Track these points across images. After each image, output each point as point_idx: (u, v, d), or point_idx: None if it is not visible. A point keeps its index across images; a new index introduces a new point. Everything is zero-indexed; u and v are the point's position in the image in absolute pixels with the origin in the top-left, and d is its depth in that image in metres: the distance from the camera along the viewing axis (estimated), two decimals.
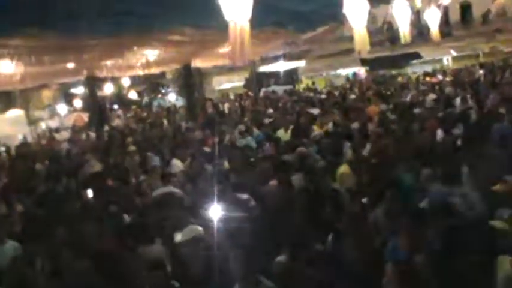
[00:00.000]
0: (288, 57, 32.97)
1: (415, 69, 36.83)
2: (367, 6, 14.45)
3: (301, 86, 36.66)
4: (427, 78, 28.48)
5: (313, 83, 35.87)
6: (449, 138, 11.14)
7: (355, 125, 13.97)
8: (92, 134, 22.83)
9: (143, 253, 6.96)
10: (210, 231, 6.88)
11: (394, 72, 37.90)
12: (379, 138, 11.56)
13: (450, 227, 5.75)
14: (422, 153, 9.49)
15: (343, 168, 9.71)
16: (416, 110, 15.04)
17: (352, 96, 23.55)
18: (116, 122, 28.22)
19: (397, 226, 6.03)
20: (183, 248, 6.52)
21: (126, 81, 39.57)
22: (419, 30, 26.61)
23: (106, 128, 23.12)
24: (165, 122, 25.51)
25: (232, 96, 34.10)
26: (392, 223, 6.48)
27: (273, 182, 9.31)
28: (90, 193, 10.61)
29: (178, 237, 6.62)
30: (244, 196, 8.61)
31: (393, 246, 5.99)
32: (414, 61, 38.12)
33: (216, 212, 7.35)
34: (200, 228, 6.69)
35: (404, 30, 18.46)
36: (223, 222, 7.20)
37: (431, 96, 18.55)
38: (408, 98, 19.41)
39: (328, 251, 6.52)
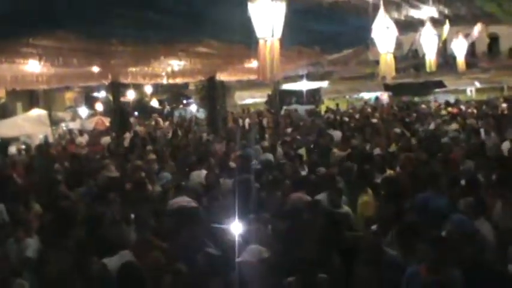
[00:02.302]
0: (311, 77, 32.99)
1: (437, 98, 36.67)
2: (395, 33, 14.48)
3: (322, 107, 36.63)
4: (449, 108, 28.32)
5: (337, 105, 35.81)
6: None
7: (377, 150, 13.92)
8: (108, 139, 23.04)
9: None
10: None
11: (416, 99, 37.77)
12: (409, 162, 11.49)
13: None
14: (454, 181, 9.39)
15: (366, 198, 9.67)
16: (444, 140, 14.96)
17: (374, 120, 23.48)
18: (137, 129, 28.31)
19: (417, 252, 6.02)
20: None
21: (148, 89, 39.84)
22: (445, 59, 26.59)
23: (127, 134, 23.21)
24: (181, 132, 25.64)
25: (252, 112, 34.14)
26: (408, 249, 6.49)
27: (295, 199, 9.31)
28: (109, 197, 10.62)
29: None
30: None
31: (412, 273, 5.99)
32: (437, 89, 37.95)
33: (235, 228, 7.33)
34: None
35: (430, 58, 18.48)
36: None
37: (453, 126, 18.46)
38: (432, 126, 19.31)
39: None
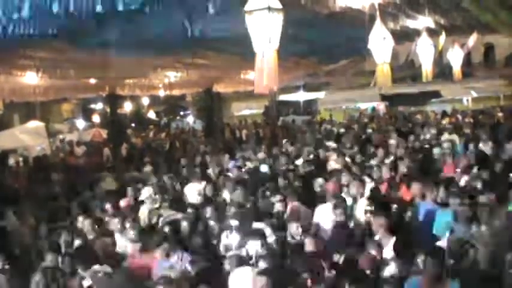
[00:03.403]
0: (308, 87, 33.06)
1: (434, 108, 36.68)
2: (392, 43, 14.52)
3: (318, 117, 36.66)
4: (446, 119, 28.31)
5: (331, 116, 35.85)
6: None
7: (374, 161, 13.89)
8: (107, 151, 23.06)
9: None
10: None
11: (413, 109, 37.78)
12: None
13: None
14: None
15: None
16: (436, 150, 14.92)
17: (370, 131, 23.45)
18: (134, 141, 28.33)
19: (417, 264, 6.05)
20: None
21: (145, 101, 39.90)
22: (441, 69, 26.63)
23: (124, 145, 23.23)
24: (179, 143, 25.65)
25: (249, 123, 34.13)
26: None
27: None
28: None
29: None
30: (260, 225, 8.63)
31: (411, 285, 6.00)
32: (433, 100, 37.98)
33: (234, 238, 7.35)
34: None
35: (427, 68, 18.51)
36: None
37: (446, 136, 18.35)
38: (427, 137, 19.30)
39: None
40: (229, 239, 8.49)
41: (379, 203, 9.27)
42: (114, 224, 9.68)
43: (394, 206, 9.41)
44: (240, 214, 8.99)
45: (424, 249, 6.24)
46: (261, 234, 7.89)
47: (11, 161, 22.37)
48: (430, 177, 11.14)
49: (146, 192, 11.84)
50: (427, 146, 16.35)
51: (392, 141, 16.88)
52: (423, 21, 18.10)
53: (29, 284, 7.32)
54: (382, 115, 34.47)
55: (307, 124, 30.42)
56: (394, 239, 7.37)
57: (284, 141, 20.62)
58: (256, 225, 8.64)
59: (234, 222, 8.64)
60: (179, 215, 10.00)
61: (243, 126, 32.67)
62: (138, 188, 12.32)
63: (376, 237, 7.64)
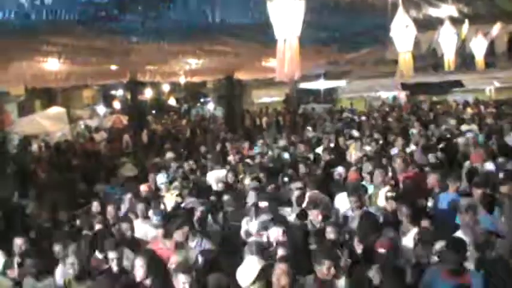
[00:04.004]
0: (329, 76, 32.91)
1: (455, 97, 36.39)
2: (414, 32, 14.39)
3: (339, 106, 36.55)
4: (468, 109, 28.08)
5: (351, 104, 35.72)
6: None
7: (394, 150, 13.82)
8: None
9: None
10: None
11: (434, 98, 37.52)
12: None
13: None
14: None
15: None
16: (460, 140, 14.80)
17: (390, 120, 23.35)
18: (154, 127, 28.44)
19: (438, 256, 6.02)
20: None
21: (166, 87, 39.93)
22: (464, 58, 26.36)
23: (145, 132, 23.31)
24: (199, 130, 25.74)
25: (270, 111, 34.14)
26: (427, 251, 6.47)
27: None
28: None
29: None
30: (286, 211, 8.63)
31: (432, 274, 5.96)
32: (455, 89, 37.67)
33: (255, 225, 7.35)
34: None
35: (449, 58, 18.33)
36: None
37: (466, 126, 18.19)
38: (449, 126, 19.15)
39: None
40: (250, 226, 8.52)
41: (401, 191, 9.26)
42: (139, 209, 9.72)
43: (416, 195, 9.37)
44: (264, 199, 8.99)
45: (446, 239, 6.21)
46: (283, 221, 7.91)
47: (34, 146, 22.58)
48: (453, 167, 11.10)
49: (161, 178, 11.93)
50: (448, 136, 16.25)
51: (414, 130, 16.80)
52: (446, 9, 17.92)
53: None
54: (403, 104, 34.31)
55: (328, 112, 30.37)
56: (416, 228, 7.35)
57: (306, 128, 20.57)
58: (280, 211, 8.65)
59: (260, 207, 8.64)
60: (199, 201, 10.01)
61: (263, 114, 32.67)
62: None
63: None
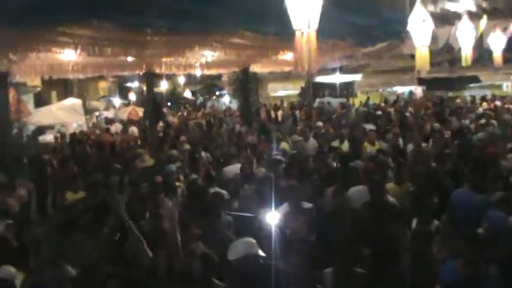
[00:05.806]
0: (345, 70, 32.80)
1: (472, 93, 36.20)
2: (432, 26, 14.32)
3: (355, 100, 36.42)
4: (484, 104, 27.92)
5: (368, 98, 35.60)
6: None
7: (410, 146, 13.74)
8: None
9: None
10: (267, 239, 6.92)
11: (450, 94, 37.33)
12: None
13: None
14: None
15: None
16: (479, 135, 14.70)
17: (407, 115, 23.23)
18: (170, 119, 28.51)
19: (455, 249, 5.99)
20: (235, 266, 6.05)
21: (181, 80, 40.00)
22: (481, 53, 26.19)
23: (160, 123, 23.37)
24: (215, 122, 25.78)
25: (285, 104, 34.10)
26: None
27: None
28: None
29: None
30: (308, 205, 8.60)
31: (451, 268, 5.96)
32: (472, 84, 37.48)
33: (274, 219, 7.32)
34: (252, 241, 6.25)
35: (466, 53, 18.24)
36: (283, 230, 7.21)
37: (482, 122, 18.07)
38: (467, 122, 19.04)
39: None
40: (267, 218, 8.50)
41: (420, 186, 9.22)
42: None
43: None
44: (288, 192, 8.96)
45: (462, 234, 6.18)
46: (309, 215, 7.92)
47: (50, 136, 22.69)
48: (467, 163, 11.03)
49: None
50: (465, 131, 16.16)
51: (436, 125, 16.72)
52: (464, 4, 17.85)
53: None
54: (419, 99, 34.15)
55: (343, 106, 30.29)
56: (436, 222, 7.34)
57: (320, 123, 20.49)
58: (304, 204, 8.63)
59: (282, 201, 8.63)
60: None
61: (278, 107, 32.64)
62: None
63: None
